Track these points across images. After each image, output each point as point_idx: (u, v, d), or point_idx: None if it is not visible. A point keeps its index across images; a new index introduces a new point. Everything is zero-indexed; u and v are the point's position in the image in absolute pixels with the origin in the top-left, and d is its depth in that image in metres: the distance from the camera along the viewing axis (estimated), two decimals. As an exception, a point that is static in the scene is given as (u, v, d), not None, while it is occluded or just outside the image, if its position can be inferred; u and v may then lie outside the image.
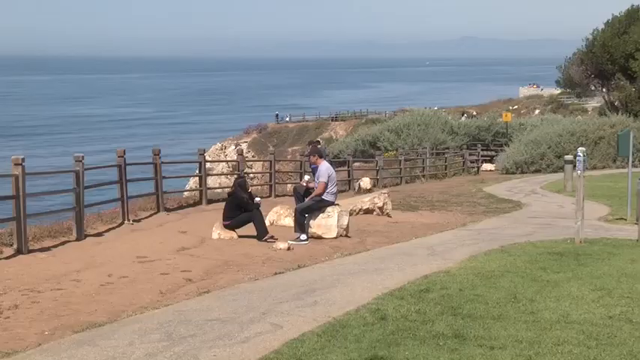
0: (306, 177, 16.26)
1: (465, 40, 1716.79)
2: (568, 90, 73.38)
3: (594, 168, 35.98)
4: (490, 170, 41.86)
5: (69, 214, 14.91)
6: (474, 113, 73.26)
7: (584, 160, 14.50)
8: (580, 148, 15.82)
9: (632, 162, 18.58)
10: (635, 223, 15.08)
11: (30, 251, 12.70)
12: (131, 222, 16.55)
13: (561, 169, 30.48)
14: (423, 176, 37.46)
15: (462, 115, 69.94)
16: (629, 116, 46.97)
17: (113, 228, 15.83)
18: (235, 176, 17.53)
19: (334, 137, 70.90)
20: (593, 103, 74.92)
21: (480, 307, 8.68)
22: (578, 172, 14.62)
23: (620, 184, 22.42)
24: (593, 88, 65.99)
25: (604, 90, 63.65)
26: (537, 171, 38.68)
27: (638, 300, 9.09)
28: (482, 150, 45.75)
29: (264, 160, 36.68)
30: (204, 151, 21.89)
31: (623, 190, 19.64)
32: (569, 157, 26.81)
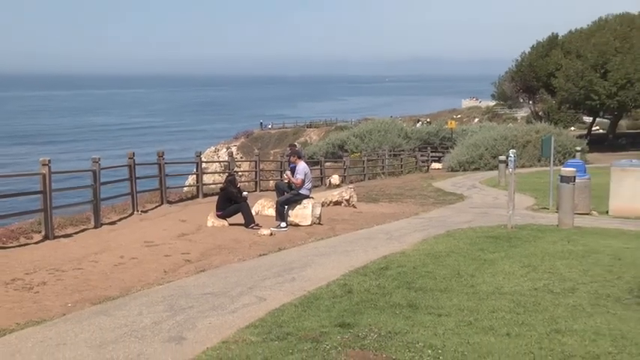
0: (287, 173, 16.26)
1: (419, 60, 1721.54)
2: (501, 102, 73.97)
3: (523, 166, 36.20)
4: (438, 169, 42.01)
5: (88, 206, 14.88)
6: (428, 120, 73.50)
7: (514, 160, 14.60)
8: (511, 150, 15.92)
9: (553, 162, 18.72)
10: (556, 212, 15.22)
11: (55, 237, 12.72)
12: (139, 213, 16.49)
13: (496, 167, 30.68)
14: (383, 174, 37.52)
15: (418, 122, 70.11)
16: (551, 124, 47.40)
17: (124, 218, 15.79)
18: (226, 174, 17.47)
19: (309, 141, 70.78)
20: (522, 113, 75.47)
21: (430, 282, 8.73)
22: (510, 169, 14.72)
23: (543, 179, 22.59)
24: (521, 100, 66.54)
25: (530, 102, 64.20)
26: (477, 169, 38.87)
27: (558, 275, 9.20)
28: (431, 152, 45.96)
29: (250, 161, 36.58)
30: (201, 153, 21.85)
31: (546, 185, 19.80)
32: (502, 157, 26.93)
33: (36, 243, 12.22)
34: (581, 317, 7.07)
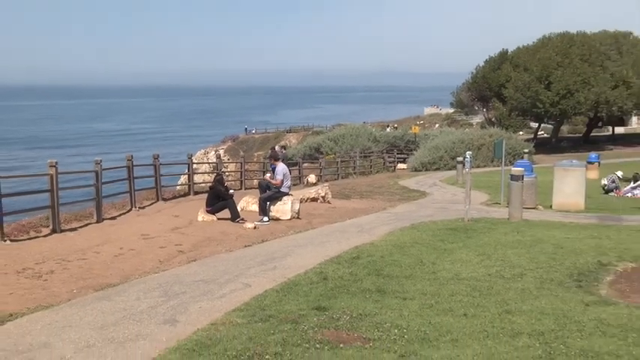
0: (267, 175, 16.21)
1: (387, 72, 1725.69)
2: (459, 109, 74.28)
3: (478, 167, 36.43)
4: (403, 169, 42.08)
5: (91, 203, 14.78)
6: (395, 125, 73.62)
7: (470, 161, 14.72)
8: (468, 152, 16.08)
9: (504, 162, 18.86)
10: (506, 207, 15.34)
11: (62, 231, 12.61)
12: (137, 209, 16.37)
13: (454, 167, 30.78)
14: (354, 173, 37.56)
15: (387, 127, 70.15)
16: (502, 129, 47.76)
17: (124, 213, 15.65)
18: (215, 174, 17.38)
19: (288, 145, 70.69)
20: (477, 119, 75.79)
21: (396, 269, 8.76)
22: (466, 169, 14.83)
23: (495, 178, 22.75)
24: (476, 108, 66.94)
25: (484, 110, 64.61)
26: (437, 169, 38.98)
27: (509, 262, 9.28)
28: (397, 154, 45.98)
29: (236, 162, 36.45)
30: (192, 155, 21.75)
31: (498, 183, 19.94)
32: (460, 158, 27.11)
33: (44, 236, 12.11)
34: (528, 299, 7.13)
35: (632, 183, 21.65)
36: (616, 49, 52.33)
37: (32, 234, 12.15)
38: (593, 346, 5.45)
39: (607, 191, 21.72)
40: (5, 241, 11.19)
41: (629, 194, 21.05)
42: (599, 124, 61.24)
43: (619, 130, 66.18)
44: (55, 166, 12.77)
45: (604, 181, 22.60)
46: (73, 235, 12.40)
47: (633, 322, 6.20)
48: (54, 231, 12.48)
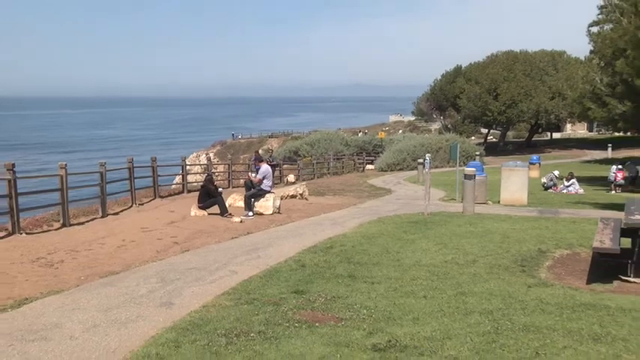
0: (252, 175, 16.12)
1: (357, 85, 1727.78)
2: (419, 117, 74.83)
3: (436, 167, 36.64)
4: (371, 169, 42.10)
5: (96, 200, 14.65)
6: (366, 131, 73.72)
7: (429, 162, 14.81)
8: (427, 154, 16.17)
9: (459, 163, 19.00)
10: (461, 202, 15.45)
11: (71, 225, 12.50)
12: (137, 205, 16.20)
13: (416, 168, 30.91)
14: (328, 173, 37.50)
15: (359, 132, 70.18)
16: (457, 134, 48.23)
17: (125, 209, 15.48)
18: (206, 175, 17.27)
19: (270, 148, 70.41)
20: (435, 125, 76.24)
21: (365, 257, 8.78)
22: (426, 169, 14.91)
23: (451, 177, 22.93)
24: (434, 116, 67.61)
25: (441, 117, 65.23)
26: (401, 169, 39.08)
27: (462, 250, 9.35)
28: (366, 156, 46.03)
29: (224, 164, 36.22)
30: (185, 158, 21.62)
31: (453, 181, 20.09)
32: (420, 160, 27.26)
33: (56, 230, 11.98)
34: (479, 282, 7.19)
35: (566, 181, 21.96)
36: (552, 65, 53.05)
37: (45, 227, 12.04)
38: (534, 321, 5.52)
39: (546, 188, 22.01)
40: (21, 234, 11.13)
41: (565, 191, 21.37)
42: (540, 130, 61.99)
43: (556, 135, 67.20)
44: (64, 168, 12.71)
45: (543, 180, 22.92)
46: (80, 229, 12.26)
47: (567, 300, 6.29)
48: (64, 225, 12.39)
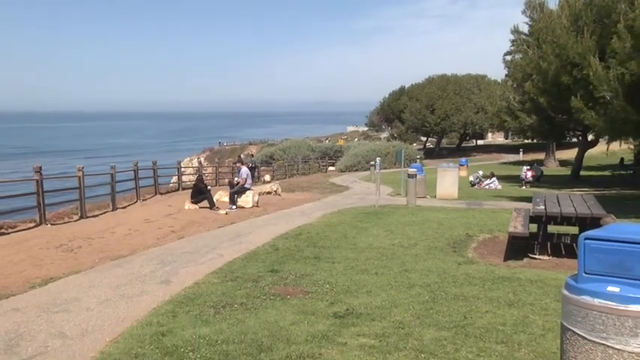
0: (236, 178, 16.02)
1: (319, 102, 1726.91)
2: (371, 128, 75.18)
3: (385, 169, 36.77)
4: (333, 170, 42.12)
5: (107, 197, 14.50)
6: (328, 139, 73.59)
7: (379, 164, 14.93)
8: (378, 158, 16.26)
9: (403, 165, 19.16)
10: (405, 197, 15.57)
11: (87, 217, 12.44)
12: (141, 201, 15.97)
13: (369, 169, 31.15)
14: (297, 174, 37.47)
15: (327, 139, 70.03)
16: (402, 141, 48.61)
17: (131, 204, 15.27)
18: (197, 175, 17.10)
19: (251, 153, 69.81)
20: (384, 134, 76.52)
21: (328, 242, 8.82)
22: (377, 170, 15.04)
23: (397, 176, 23.04)
24: (384, 127, 67.98)
25: (389, 128, 65.65)
26: (357, 170, 39.17)
27: (406, 236, 9.44)
28: (328, 159, 46.10)
29: (212, 166, 35.77)
30: (180, 162, 21.45)
31: (399, 180, 20.21)
32: (372, 162, 27.37)
33: (75, 221, 11.89)
34: (420, 261, 7.29)
35: (487, 179, 22.40)
36: (477, 86, 54.04)
37: (66, 219, 11.98)
38: (463, 292, 5.64)
39: (472, 185, 22.38)
40: (47, 225, 11.09)
41: (487, 187, 21.77)
42: (467, 137, 63.05)
43: (480, 142, 68.39)
44: (81, 171, 12.73)
45: (471, 178, 23.31)
46: (95, 220, 12.08)
47: (489, 274, 6.44)
48: (81, 217, 12.33)
